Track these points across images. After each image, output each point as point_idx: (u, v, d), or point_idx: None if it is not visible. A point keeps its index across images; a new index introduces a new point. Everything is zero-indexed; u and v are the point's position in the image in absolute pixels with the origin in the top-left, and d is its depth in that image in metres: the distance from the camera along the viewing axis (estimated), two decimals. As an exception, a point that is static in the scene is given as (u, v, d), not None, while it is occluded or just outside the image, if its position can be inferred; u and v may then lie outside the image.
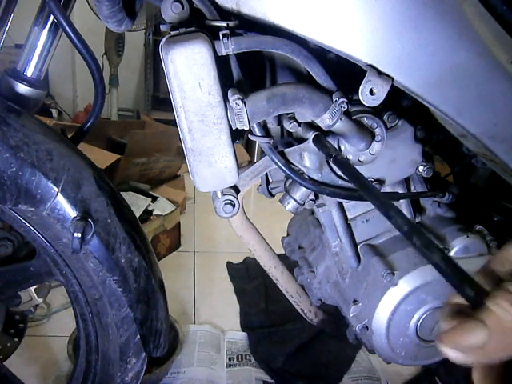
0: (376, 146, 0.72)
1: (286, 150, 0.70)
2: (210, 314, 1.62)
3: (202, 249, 2.07)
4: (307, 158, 0.71)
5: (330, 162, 0.71)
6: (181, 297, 1.69)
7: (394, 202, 0.81)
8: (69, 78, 3.73)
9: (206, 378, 1.32)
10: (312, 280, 0.91)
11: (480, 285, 0.33)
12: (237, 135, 0.68)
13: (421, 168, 0.76)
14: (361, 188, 0.55)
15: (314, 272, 0.90)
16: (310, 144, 0.68)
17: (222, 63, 0.57)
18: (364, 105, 0.61)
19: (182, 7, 0.57)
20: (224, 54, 0.57)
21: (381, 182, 0.76)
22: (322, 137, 0.67)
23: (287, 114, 0.69)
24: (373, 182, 0.75)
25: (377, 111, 0.71)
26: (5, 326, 0.91)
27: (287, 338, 1.47)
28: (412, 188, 0.82)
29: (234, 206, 0.71)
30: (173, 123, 0.66)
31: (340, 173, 0.72)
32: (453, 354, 0.32)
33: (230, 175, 0.63)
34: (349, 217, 0.82)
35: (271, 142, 0.67)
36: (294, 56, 0.59)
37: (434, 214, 0.84)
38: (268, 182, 0.84)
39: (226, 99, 0.58)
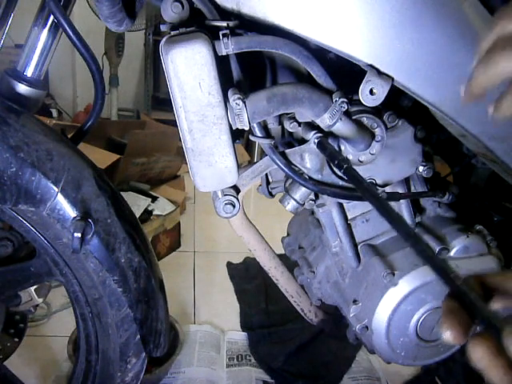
0: (376, 146, 0.72)
1: (287, 151, 0.70)
2: (210, 314, 1.62)
3: (202, 249, 2.07)
4: (308, 159, 0.71)
5: (333, 166, 0.71)
6: (181, 297, 1.69)
7: (394, 202, 0.81)
8: (69, 78, 3.73)
9: (206, 378, 1.32)
10: (312, 280, 0.91)
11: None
12: (237, 135, 0.68)
13: (421, 168, 0.76)
14: (364, 194, 0.55)
15: (313, 272, 0.90)
16: (310, 145, 0.68)
17: (222, 63, 0.57)
18: (364, 105, 0.61)
19: (182, 7, 0.57)
20: (224, 53, 0.57)
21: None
22: (324, 141, 0.67)
23: (287, 113, 0.69)
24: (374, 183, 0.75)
25: (377, 111, 0.71)
26: (5, 325, 0.91)
27: (287, 338, 1.46)
28: (412, 188, 0.82)
29: (234, 206, 0.71)
30: (173, 123, 0.66)
31: (341, 174, 0.72)
32: None
33: (230, 175, 0.63)
34: (349, 217, 0.82)
35: (272, 142, 0.67)
36: (294, 56, 0.59)
37: (434, 214, 0.85)
38: (268, 182, 0.84)
39: (226, 99, 0.58)
